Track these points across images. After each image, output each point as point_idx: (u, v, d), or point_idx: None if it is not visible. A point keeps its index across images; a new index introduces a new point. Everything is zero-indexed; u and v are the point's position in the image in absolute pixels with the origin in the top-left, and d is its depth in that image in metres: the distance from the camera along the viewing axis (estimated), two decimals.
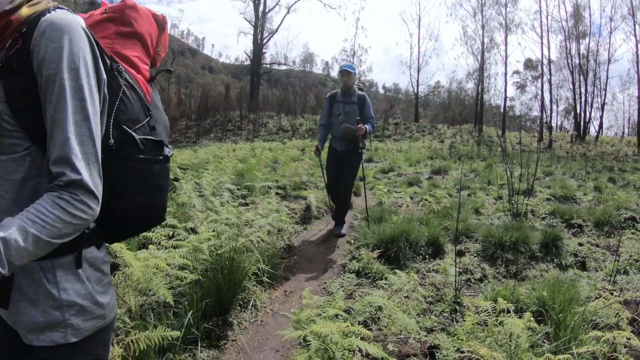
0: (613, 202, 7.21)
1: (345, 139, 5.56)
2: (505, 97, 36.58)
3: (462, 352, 2.61)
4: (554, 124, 38.89)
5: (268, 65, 47.74)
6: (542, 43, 33.85)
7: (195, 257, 3.48)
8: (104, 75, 1.09)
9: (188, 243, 3.54)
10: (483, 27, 35.87)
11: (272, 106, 46.07)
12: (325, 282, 4.10)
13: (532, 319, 2.58)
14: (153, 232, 3.82)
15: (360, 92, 5.62)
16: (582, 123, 33.70)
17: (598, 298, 3.27)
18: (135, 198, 1.20)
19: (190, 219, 5.12)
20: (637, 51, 30.03)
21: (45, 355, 1.06)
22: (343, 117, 5.50)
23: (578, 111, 33.86)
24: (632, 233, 5.63)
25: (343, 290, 3.81)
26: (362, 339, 2.36)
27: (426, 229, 5.02)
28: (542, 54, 34.61)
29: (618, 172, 13.08)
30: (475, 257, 4.73)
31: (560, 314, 2.89)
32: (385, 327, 2.93)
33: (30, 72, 0.98)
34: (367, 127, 5.46)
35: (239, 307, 3.40)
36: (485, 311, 2.77)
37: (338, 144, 5.68)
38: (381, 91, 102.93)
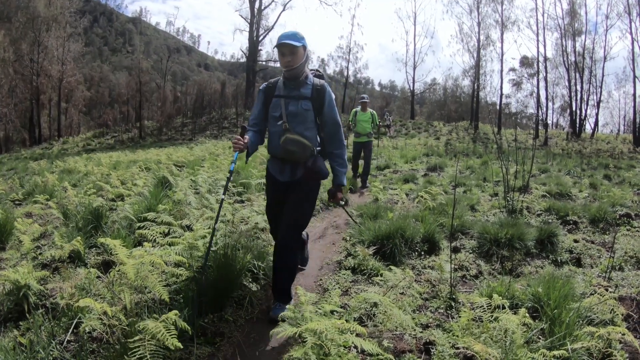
0: (608, 199, 7.23)
1: (288, 161, 3.39)
2: (501, 95, 36.59)
3: (458, 348, 2.61)
4: (549, 122, 39.04)
5: (264, 63, 47.59)
6: (538, 40, 33.95)
7: (191, 255, 3.48)
8: None
9: (183, 240, 3.53)
10: (479, 24, 35.90)
11: None
12: (321, 279, 4.09)
13: (527, 315, 2.58)
14: (148, 229, 3.80)
15: (317, 81, 3.39)
16: (577, 120, 33.81)
17: (593, 294, 3.28)
18: None
19: (185, 216, 5.10)
20: (632, 49, 30.09)
21: None
22: (286, 123, 3.28)
23: (574, 108, 33.97)
24: (627, 230, 5.64)
25: (339, 287, 3.80)
26: (357, 335, 2.36)
27: (422, 225, 5.02)
28: (538, 51, 34.72)
29: (613, 169, 13.12)
30: (470, 253, 4.73)
31: (555, 310, 2.89)
32: (380, 323, 2.92)
33: None
34: (341, 174, 3.47)
35: (234, 304, 3.39)
36: (480, 307, 2.78)
37: (278, 169, 3.46)
38: (377, 88, 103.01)
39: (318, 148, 3.46)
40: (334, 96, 3.42)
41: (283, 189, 3.43)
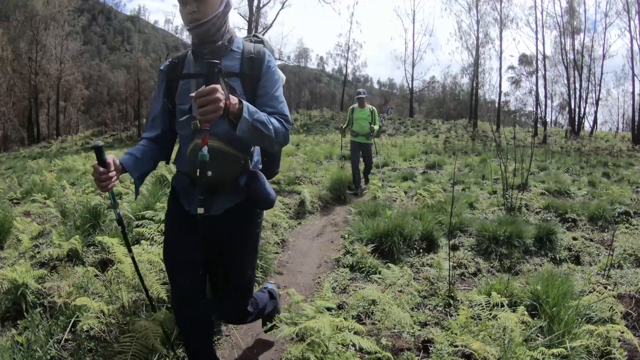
0: (607, 196, 7.23)
1: (204, 178, 1.81)
2: (500, 92, 36.74)
3: (456, 346, 2.60)
4: (548, 119, 39.05)
5: None
6: (537, 38, 34.00)
7: None
8: None
9: None
10: (478, 22, 35.96)
11: None
12: (319, 277, 4.09)
13: (525, 313, 2.57)
14: (146, 227, 3.80)
15: (251, 46, 2.08)
16: (576, 118, 33.86)
17: (592, 292, 3.28)
18: None
19: None
20: (631, 47, 30.22)
21: None
22: (197, 121, 1.80)
23: (572, 106, 34.03)
24: (626, 227, 5.65)
25: (337, 285, 3.80)
26: (355, 333, 2.35)
27: (420, 223, 5.02)
28: (537, 49, 34.76)
29: (612, 167, 13.13)
30: (469, 251, 4.73)
31: (554, 308, 2.89)
32: (379, 321, 2.92)
33: None
34: (253, 109, 1.79)
35: None
36: (479, 305, 2.77)
37: (186, 195, 2.08)
38: (376, 86, 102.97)
39: (257, 158, 2.14)
40: (279, 73, 2.13)
41: (195, 227, 1.89)
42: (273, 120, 1.88)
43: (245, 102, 1.75)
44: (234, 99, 1.70)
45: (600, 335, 2.48)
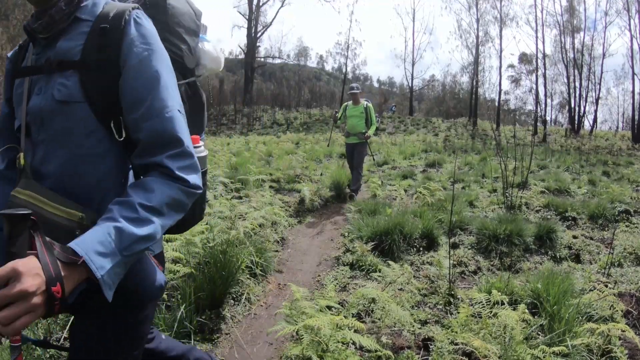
0: (607, 195, 7.22)
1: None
2: (500, 91, 36.61)
3: (457, 344, 2.60)
4: (548, 118, 39.02)
5: (262, 59, 47.61)
6: (536, 37, 33.92)
7: (188, 251, 3.46)
8: None
9: (181, 236, 3.51)
10: (478, 20, 35.86)
11: (267, 100, 46.05)
12: (319, 275, 4.08)
13: (526, 311, 2.57)
14: None
15: (112, 8, 1.11)
16: (576, 117, 33.80)
17: (592, 290, 3.28)
18: None
19: None
20: (631, 46, 30.08)
21: None
22: (21, 154, 1.10)
23: (572, 105, 33.96)
24: (626, 226, 5.64)
25: (337, 283, 3.79)
26: (355, 331, 2.35)
27: (420, 221, 5.01)
28: (537, 48, 34.67)
29: (612, 165, 13.11)
30: (469, 249, 4.72)
31: (555, 306, 2.88)
32: (379, 319, 2.91)
33: None
34: (104, 234, 0.92)
35: (232, 301, 3.38)
36: (479, 303, 2.77)
37: None
38: (376, 85, 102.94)
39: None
40: (157, 46, 1.13)
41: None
42: (155, 195, 1.02)
43: (88, 253, 0.90)
44: (67, 267, 0.89)
45: (601, 333, 2.47)
